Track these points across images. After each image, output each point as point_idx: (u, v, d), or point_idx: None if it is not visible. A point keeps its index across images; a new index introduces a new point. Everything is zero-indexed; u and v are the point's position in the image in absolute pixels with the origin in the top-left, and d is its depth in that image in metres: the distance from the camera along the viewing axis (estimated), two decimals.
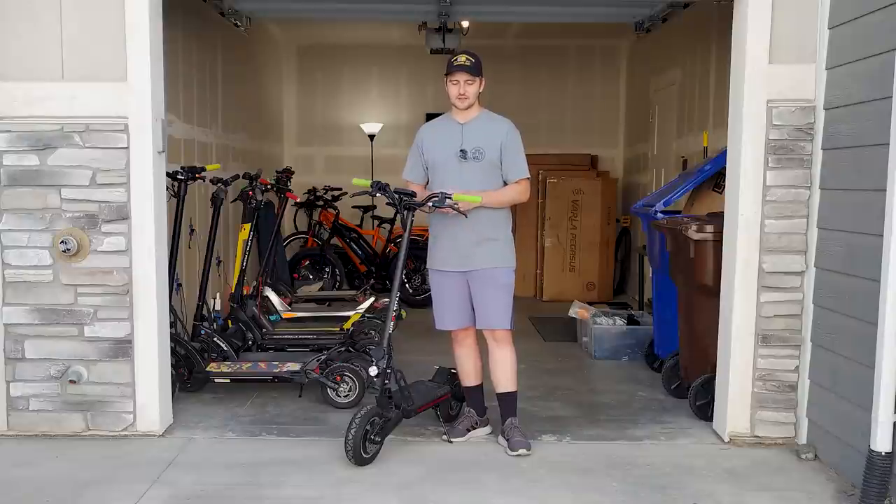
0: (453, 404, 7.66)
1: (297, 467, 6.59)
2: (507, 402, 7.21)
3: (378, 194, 7.03)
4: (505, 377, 7.19)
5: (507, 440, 6.99)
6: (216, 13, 11.24)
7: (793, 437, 7.11)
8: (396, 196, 6.87)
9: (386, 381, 6.71)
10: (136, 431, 7.19)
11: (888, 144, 5.61)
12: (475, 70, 6.99)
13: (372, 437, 6.54)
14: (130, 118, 6.97)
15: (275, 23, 14.82)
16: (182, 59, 9.73)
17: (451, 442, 7.17)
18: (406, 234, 6.99)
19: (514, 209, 7.35)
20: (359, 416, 6.50)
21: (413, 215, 6.97)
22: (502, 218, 7.14)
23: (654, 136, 13.68)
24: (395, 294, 6.96)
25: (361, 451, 6.46)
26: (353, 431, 6.40)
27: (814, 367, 6.93)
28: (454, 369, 7.59)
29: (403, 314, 10.74)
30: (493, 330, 7.13)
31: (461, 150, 6.97)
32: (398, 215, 6.95)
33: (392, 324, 6.90)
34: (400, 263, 7.02)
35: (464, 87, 6.97)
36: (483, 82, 7.09)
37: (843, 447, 6.37)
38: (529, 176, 7.13)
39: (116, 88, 6.96)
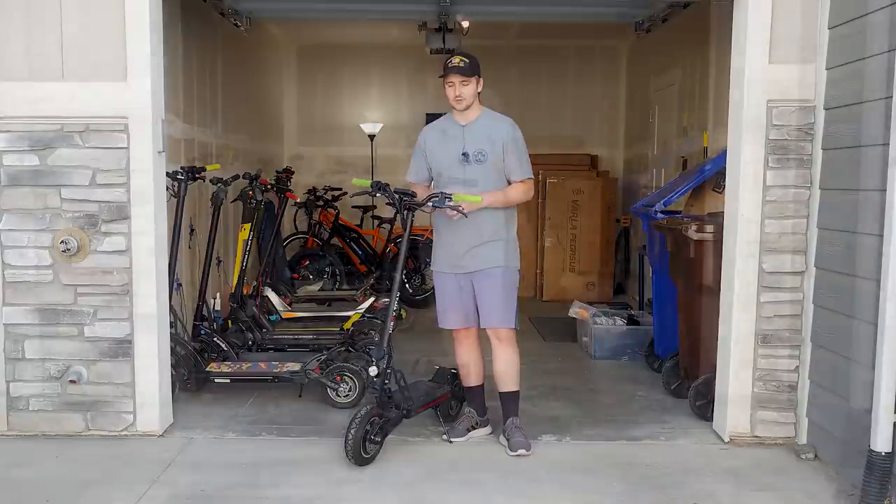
0: (453, 404, 7.65)
1: (297, 467, 6.59)
2: (509, 401, 7.22)
3: (378, 194, 7.02)
4: (507, 376, 7.19)
5: (508, 440, 6.99)
6: (216, 13, 11.23)
7: (793, 437, 7.11)
8: (396, 196, 6.85)
9: (386, 381, 6.72)
10: (136, 431, 7.20)
11: (888, 144, 5.61)
12: (469, 71, 6.94)
13: (372, 437, 6.54)
14: (130, 118, 6.97)
15: (275, 23, 14.79)
16: (182, 60, 9.71)
17: (451, 442, 7.16)
18: (406, 234, 6.98)
19: (517, 209, 7.32)
20: (359, 416, 6.50)
21: (413, 215, 6.96)
22: (505, 219, 7.11)
23: (654, 136, 13.66)
24: (395, 294, 6.95)
25: (361, 451, 6.46)
26: (353, 431, 6.40)
27: (814, 367, 6.93)
28: (454, 369, 7.59)
29: (403, 314, 10.77)
30: (497, 329, 7.14)
31: (463, 154, 6.96)
32: (398, 215, 6.93)
33: (392, 324, 6.90)
34: (400, 264, 7.01)
35: (459, 89, 6.94)
36: (480, 82, 7.06)
37: (843, 447, 6.37)
38: (533, 176, 7.13)
39: (116, 88, 6.96)
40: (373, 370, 6.67)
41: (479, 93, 7.08)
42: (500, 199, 6.99)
